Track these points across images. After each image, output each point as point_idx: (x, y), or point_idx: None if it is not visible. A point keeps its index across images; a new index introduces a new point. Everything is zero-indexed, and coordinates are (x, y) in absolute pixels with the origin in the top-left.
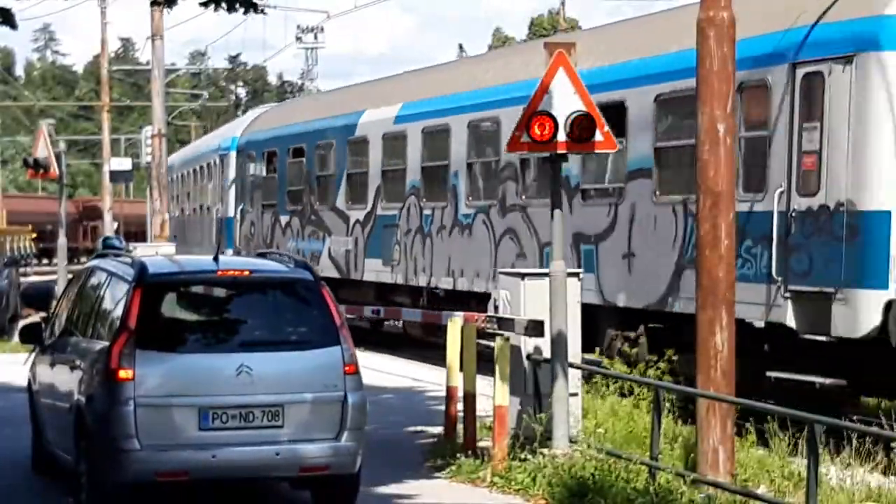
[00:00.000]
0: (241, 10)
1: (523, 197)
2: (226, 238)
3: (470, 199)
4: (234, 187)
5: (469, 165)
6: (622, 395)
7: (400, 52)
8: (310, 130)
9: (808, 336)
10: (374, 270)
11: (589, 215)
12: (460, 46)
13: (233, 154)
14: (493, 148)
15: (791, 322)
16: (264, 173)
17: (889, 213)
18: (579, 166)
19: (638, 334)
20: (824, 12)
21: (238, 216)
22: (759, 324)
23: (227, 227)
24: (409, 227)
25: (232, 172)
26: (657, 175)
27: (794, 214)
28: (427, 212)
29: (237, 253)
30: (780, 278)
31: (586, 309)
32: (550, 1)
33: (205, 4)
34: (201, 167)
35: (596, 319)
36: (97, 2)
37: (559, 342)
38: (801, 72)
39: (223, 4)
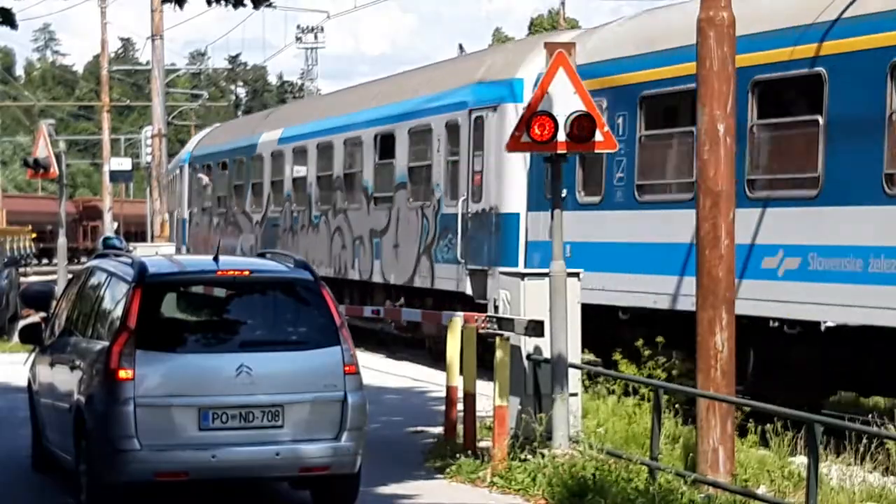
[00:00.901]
0: (250, 4)
1: (346, 203)
2: (181, 236)
3: (317, 204)
4: (186, 194)
5: (318, 178)
6: (626, 394)
7: (401, 51)
8: (231, 148)
9: (479, 301)
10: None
11: (378, 216)
12: (460, 46)
13: (186, 166)
14: (330, 165)
15: (469, 291)
16: (203, 183)
17: (518, 214)
18: (373, 178)
19: (400, 304)
20: (486, 74)
21: (188, 218)
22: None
23: (182, 227)
24: (286, 227)
25: (186, 181)
26: (409, 187)
27: (469, 215)
28: (295, 214)
29: (188, 250)
30: (463, 260)
31: (375, 287)
32: (551, 1)
33: (211, 1)
34: (174, 176)
35: (382, 295)
36: (97, 2)
37: (559, 342)
38: (473, 115)
39: (230, 0)
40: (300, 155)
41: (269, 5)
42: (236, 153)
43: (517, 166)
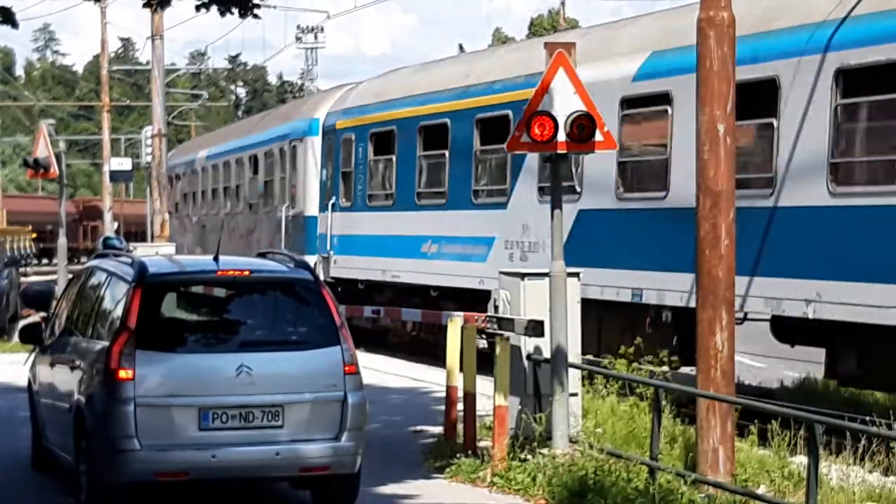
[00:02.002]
0: (237, 12)
1: (237, 208)
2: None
3: (227, 207)
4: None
5: (224, 189)
6: (623, 394)
7: (401, 51)
8: (184, 162)
9: None
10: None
11: (251, 219)
12: (460, 46)
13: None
14: (230, 178)
15: None
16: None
17: (316, 217)
18: (248, 189)
19: None
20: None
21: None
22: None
23: None
24: (209, 227)
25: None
26: (265, 197)
27: (290, 218)
28: (214, 217)
29: None
30: (286, 250)
31: None
32: (551, 0)
33: (200, 7)
34: None
35: None
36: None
37: (559, 342)
38: (292, 144)
39: (218, 7)
40: (216, 170)
41: (255, 16)
42: (186, 167)
43: (315, 180)
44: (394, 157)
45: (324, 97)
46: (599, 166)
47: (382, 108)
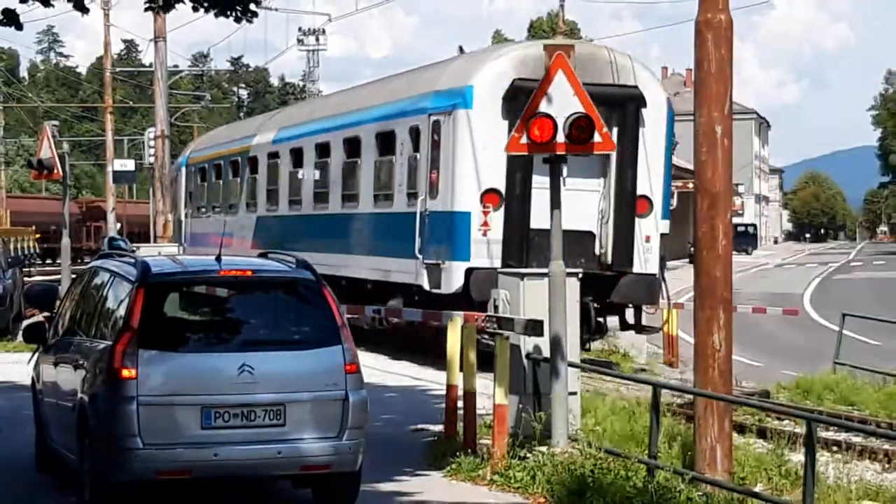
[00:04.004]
0: (231, 16)
1: (171, 213)
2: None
3: (190, 210)
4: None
5: (173, 198)
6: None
7: (403, 53)
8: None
9: None
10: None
11: (174, 222)
12: (460, 48)
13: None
14: (179, 192)
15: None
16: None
17: (183, 221)
18: (183, 200)
19: None
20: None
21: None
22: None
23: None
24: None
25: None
26: (179, 205)
27: (176, 220)
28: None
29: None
30: (176, 243)
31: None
32: (551, 2)
33: (196, 8)
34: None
35: None
36: (100, 4)
37: (558, 341)
38: (176, 172)
39: (212, 10)
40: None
41: (254, 15)
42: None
43: (183, 196)
44: (206, 184)
45: (195, 140)
46: (262, 191)
47: (204, 151)
